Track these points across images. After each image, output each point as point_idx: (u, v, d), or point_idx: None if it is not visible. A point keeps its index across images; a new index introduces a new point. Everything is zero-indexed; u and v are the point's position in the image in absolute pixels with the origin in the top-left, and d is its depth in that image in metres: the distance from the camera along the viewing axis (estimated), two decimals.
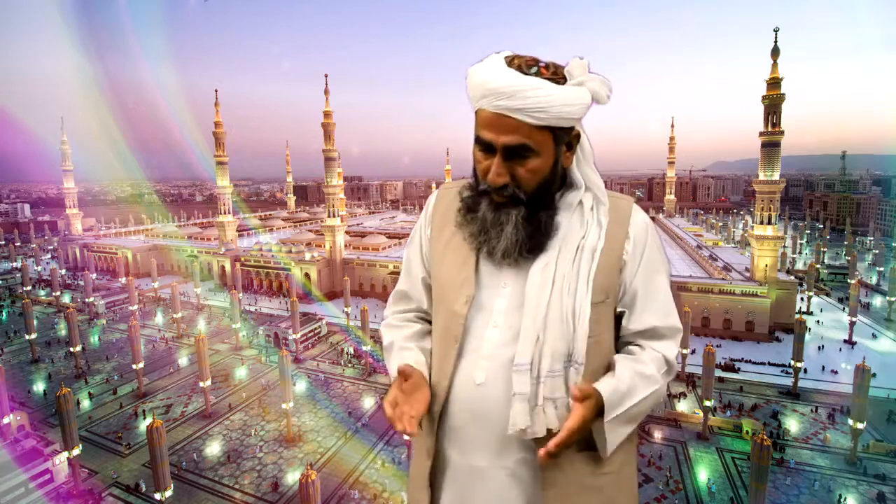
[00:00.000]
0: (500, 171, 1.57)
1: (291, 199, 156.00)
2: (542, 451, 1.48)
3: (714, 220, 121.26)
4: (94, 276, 78.99)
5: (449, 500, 1.79)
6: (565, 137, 1.63)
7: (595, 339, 1.63)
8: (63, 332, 55.82)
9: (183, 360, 49.19)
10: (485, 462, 1.69)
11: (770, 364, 46.60)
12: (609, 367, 1.66)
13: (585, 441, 1.64)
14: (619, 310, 1.74)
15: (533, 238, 1.63)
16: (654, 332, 1.72)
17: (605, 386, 1.56)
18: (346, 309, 58.96)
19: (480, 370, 1.65)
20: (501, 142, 1.53)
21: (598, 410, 1.53)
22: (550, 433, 1.55)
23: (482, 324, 1.69)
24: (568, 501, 1.63)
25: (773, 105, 53.90)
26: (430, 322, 1.98)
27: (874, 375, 35.01)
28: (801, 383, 41.34)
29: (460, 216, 1.76)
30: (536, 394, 1.56)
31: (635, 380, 1.60)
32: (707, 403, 34.68)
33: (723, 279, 57.65)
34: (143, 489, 29.95)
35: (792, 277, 61.37)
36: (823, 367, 45.31)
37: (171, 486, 27.70)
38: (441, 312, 1.82)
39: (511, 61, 1.54)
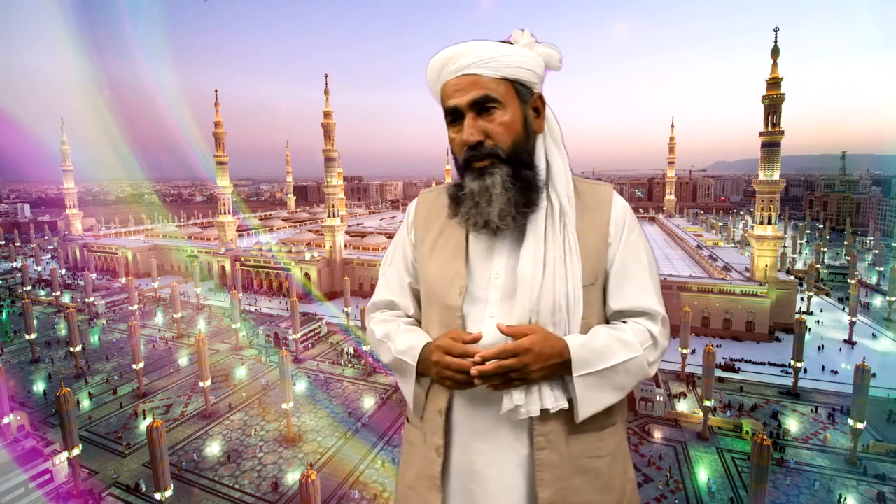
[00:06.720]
0: (472, 128, 1.59)
1: (291, 199, 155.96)
2: (474, 369, 1.46)
3: (714, 220, 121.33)
4: (94, 276, 78.96)
5: (456, 499, 1.74)
6: (528, 95, 1.64)
7: (586, 322, 1.63)
8: (63, 332, 55.80)
9: (183, 360, 49.17)
10: (489, 455, 1.66)
11: (770, 364, 46.59)
12: None
13: (582, 422, 1.62)
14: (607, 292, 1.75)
15: (524, 193, 1.62)
16: (636, 311, 1.69)
17: (573, 338, 1.52)
18: (346, 309, 58.93)
19: None
20: (466, 99, 1.58)
21: (566, 365, 1.51)
22: (546, 413, 1.55)
23: (479, 316, 1.68)
24: (563, 483, 1.60)
25: (773, 105, 53.90)
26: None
27: (874, 375, 34.99)
28: (801, 383, 41.32)
29: (450, 208, 1.74)
30: None
31: (611, 343, 1.56)
32: (707, 403, 34.65)
33: (723, 279, 57.66)
34: (143, 489, 29.95)
35: (792, 277, 61.28)
36: (823, 367, 45.30)
37: (171, 486, 27.66)
38: (434, 310, 1.78)
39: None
